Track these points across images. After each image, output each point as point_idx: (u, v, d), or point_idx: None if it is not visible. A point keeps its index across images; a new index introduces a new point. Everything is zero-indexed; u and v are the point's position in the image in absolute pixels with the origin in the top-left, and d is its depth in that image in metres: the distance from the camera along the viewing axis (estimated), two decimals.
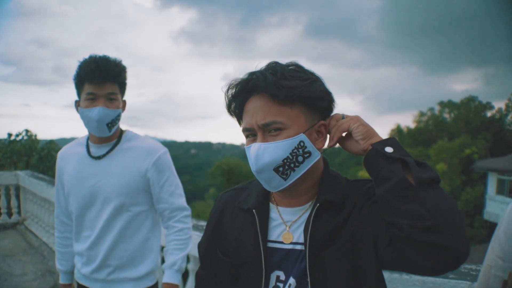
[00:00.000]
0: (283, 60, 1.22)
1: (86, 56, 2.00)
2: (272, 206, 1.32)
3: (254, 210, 1.29)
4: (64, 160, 2.20)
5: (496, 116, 46.23)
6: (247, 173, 31.95)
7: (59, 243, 2.32)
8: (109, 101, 1.98)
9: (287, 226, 1.26)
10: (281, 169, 1.15)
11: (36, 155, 11.99)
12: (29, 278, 4.90)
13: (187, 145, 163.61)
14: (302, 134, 1.16)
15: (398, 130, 52.16)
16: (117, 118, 2.04)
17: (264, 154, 1.14)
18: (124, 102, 2.13)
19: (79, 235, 2.14)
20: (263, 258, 1.24)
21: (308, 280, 1.18)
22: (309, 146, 1.17)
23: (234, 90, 1.23)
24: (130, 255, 2.09)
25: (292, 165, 1.16)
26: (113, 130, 2.04)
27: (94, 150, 2.10)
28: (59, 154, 2.25)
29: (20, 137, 12.73)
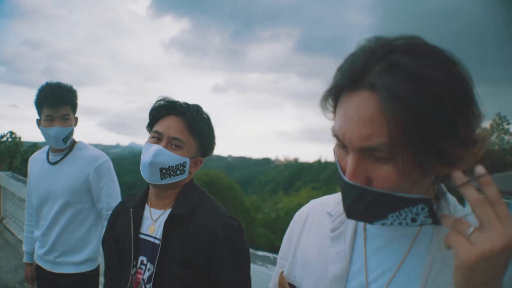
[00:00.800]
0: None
1: (46, 82, 2.46)
2: (147, 207, 1.70)
3: (131, 210, 1.67)
4: (32, 164, 2.67)
5: None
6: (227, 184, 32.10)
7: (26, 229, 2.77)
8: (64, 120, 2.41)
9: (153, 221, 1.64)
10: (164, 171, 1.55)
11: (19, 157, 12.15)
12: (3, 271, 5.21)
13: None
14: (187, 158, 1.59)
15: None
16: (70, 133, 2.48)
17: None
18: (76, 119, 2.54)
19: (38, 224, 2.58)
20: (132, 246, 1.60)
21: (154, 267, 1.56)
22: (187, 168, 1.62)
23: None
24: (73, 244, 2.50)
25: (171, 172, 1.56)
26: (68, 143, 2.49)
27: (52, 157, 2.56)
28: (30, 159, 2.75)
29: (4, 139, 12.87)
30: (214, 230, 1.51)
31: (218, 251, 1.50)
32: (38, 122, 2.46)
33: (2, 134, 13.17)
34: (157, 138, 1.57)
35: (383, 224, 0.80)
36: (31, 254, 2.73)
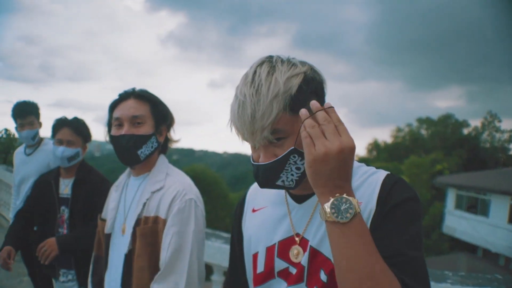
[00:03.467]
0: None
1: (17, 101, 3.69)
2: (60, 178, 2.90)
3: (52, 181, 2.85)
4: (16, 156, 3.87)
5: (472, 134, 47.19)
6: (213, 179, 33.02)
7: (13, 202, 3.87)
8: (30, 125, 3.62)
9: (66, 186, 2.88)
10: None
11: (13, 152, 12.79)
12: None
13: (169, 151, 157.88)
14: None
15: (375, 145, 52.63)
16: (36, 133, 3.67)
17: None
18: (41, 123, 3.73)
19: (18, 196, 3.75)
20: (57, 201, 2.83)
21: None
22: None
23: None
24: None
25: None
26: (36, 140, 3.71)
27: (27, 151, 3.77)
28: (15, 152, 3.93)
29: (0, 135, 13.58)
30: (96, 184, 2.81)
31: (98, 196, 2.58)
32: (16, 128, 3.65)
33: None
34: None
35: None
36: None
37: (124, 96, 1.93)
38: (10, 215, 3.88)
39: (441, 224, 27.68)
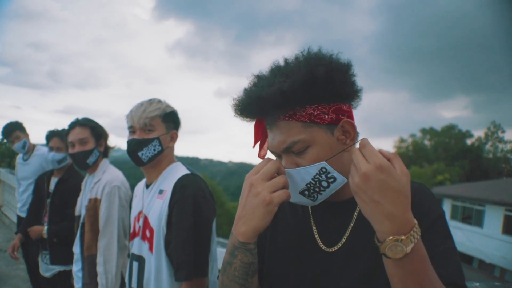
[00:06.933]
0: None
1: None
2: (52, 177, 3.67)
3: (45, 178, 3.66)
4: (17, 162, 4.71)
5: (475, 144, 47.54)
6: (211, 188, 33.68)
7: (17, 199, 4.55)
8: (18, 139, 4.47)
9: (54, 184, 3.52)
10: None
11: (15, 158, 13.35)
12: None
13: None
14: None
15: None
16: (25, 143, 4.49)
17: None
18: (27, 135, 4.57)
19: (19, 192, 4.39)
20: (45, 194, 3.59)
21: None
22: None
23: None
24: None
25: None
26: (26, 147, 4.54)
27: (24, 157, 4.64)
28: (16, 158, 4.65)
29: (5, 141, 14.17)
30: (76, 185, 3.23)
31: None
32: (10, 144, 4.52)
33: (3, 137, 14.29)
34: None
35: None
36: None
37: (71, 126, 2.85)
38: (18, 209, 4.58)
39: None
